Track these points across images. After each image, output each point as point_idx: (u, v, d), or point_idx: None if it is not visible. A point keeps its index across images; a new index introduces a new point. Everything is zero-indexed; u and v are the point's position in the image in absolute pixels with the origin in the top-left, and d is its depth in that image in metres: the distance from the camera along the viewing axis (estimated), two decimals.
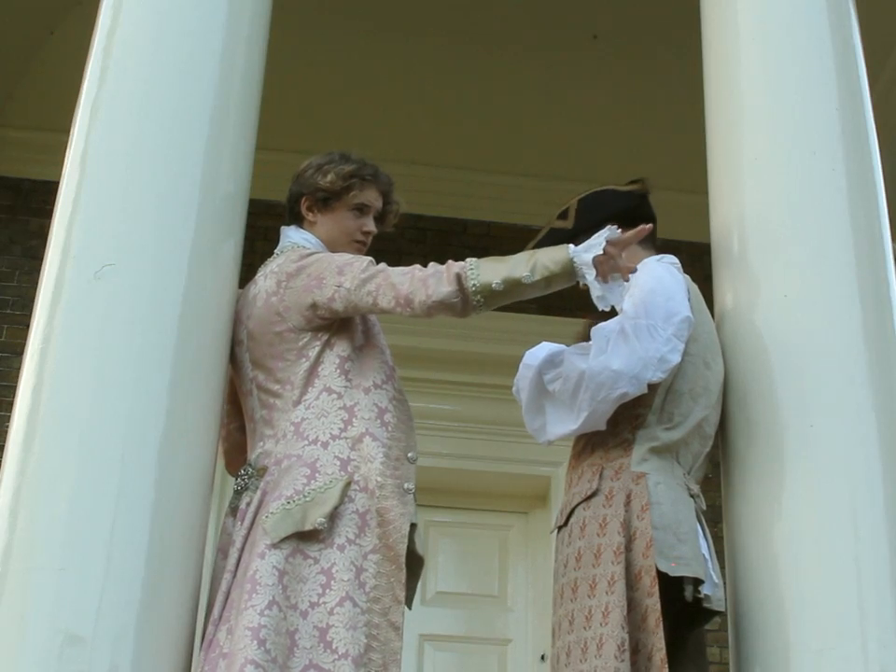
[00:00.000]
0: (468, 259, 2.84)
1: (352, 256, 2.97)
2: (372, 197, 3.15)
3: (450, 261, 2.85)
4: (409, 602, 2.93)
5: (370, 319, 3.01)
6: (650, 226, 2.94)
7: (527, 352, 3.02)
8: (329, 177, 3.09)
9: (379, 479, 2.79)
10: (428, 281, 2.82)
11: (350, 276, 2.87)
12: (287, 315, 2.92)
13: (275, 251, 3.11)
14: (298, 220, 3.15)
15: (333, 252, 3.06)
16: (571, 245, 2.82)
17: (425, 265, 2.90)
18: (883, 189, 3.25)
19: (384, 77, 5.64)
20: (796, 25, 3.34)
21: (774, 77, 3.29)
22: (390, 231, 3.27)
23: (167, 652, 2.60)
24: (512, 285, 2.80)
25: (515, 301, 2.87)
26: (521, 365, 3.02)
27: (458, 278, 2.80)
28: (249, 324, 2.98)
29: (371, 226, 3.15)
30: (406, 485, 2.82)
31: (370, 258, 2.95)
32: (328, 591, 2.67)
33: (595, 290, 2.82)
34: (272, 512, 2.72)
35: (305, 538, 2.70)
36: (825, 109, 3.22)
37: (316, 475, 2.77)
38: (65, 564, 2.53)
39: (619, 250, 2.82)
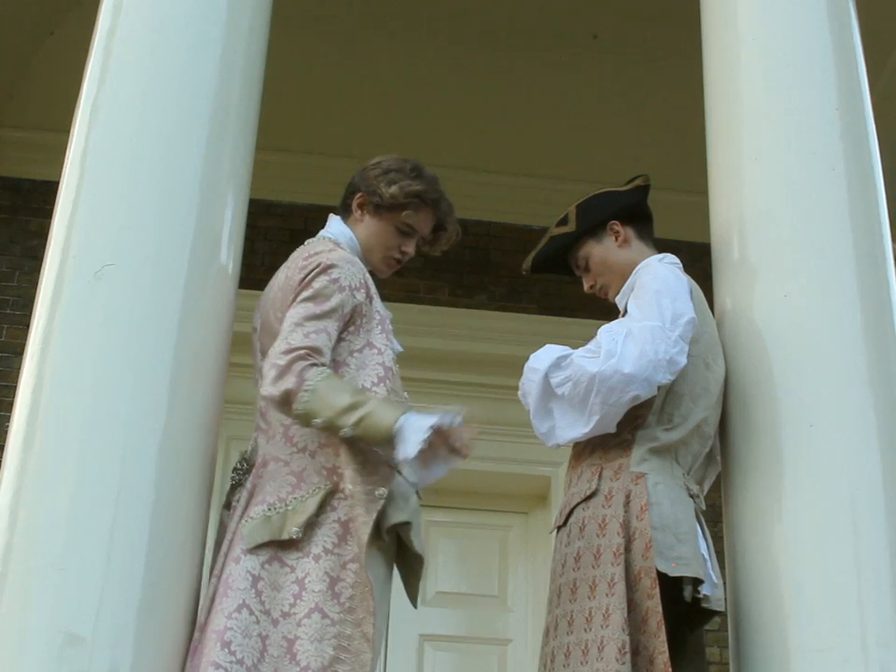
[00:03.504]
0: (316, 371, 2.69)
1: (314, 326, 2.77)
2: (424, 222, 3.08)
3: (299, 364, 2.69)
4: (414, 601, 2.92)
5: (373, 319, 2.90)
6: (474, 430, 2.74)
7: (532, 355, 2.98)
8: (393, 189, 3.02)
9: (350, 486, 2.73)
10: (270, 373, 2.71)
11: (285, 342, 2.74)
12: (284, 315, 2.86)
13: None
14: (346, 211, 3.09)
15: (367, 258, 3.01)
16: (404, 418, 2.65)
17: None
18: (883, 189, 3.25)
19: (384, 77, 5.64)
20: (796, 25, 3.34)
21: (774, 77, 3.29)
22: (437, 255, 3.19)
23: (167, 653, 2.60)
24: (331, 429, 2.69)
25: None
26: (526, 368, 2.98)
27: (288, 395, 2.68)
28: (262, 312, 2.96)
29: (410, 249, 3.08)
30: (378, 491, 2.72)
31: (307, 349, 2.73)
32: (298, 601, 2.65)
33: (407, 469, 2.72)
34: (251, 517, 2.72)
35: (284, 546, 2.68)
36: (825, 109, 3.22)
37: (301, 484, 2.75)
38: (65, 564, 2.53)
39: (445, 441, 2.68)
